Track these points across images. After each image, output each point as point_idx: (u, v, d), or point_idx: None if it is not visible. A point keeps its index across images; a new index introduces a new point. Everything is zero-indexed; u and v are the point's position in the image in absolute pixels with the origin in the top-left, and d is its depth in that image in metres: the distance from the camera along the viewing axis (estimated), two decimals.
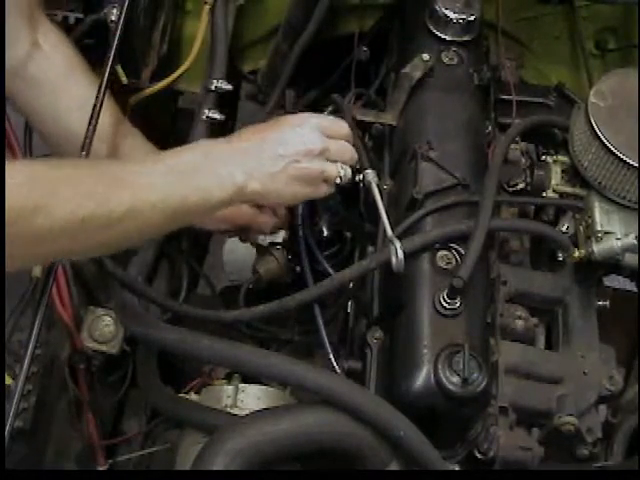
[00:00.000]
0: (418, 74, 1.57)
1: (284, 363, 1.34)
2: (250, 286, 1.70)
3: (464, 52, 1.62)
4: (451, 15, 1.63)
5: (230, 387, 1.47)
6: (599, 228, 1.38)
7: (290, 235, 1.63)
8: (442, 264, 1.38)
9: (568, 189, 1.48)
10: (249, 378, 1.47)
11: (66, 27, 1.67)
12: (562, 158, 1.51)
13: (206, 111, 1.64)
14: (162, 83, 1.78)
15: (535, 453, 1.31)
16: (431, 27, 1.64)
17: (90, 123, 1.33)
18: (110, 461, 1.62)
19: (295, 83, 1.97)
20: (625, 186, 1.39)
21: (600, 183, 1.41)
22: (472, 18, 1.63)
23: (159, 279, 1.75)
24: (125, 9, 1.50)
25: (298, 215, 1.62)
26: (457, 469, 1.32)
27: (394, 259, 1.34)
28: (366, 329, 1.43)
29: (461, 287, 1.31)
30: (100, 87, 1.36)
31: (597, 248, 1.37)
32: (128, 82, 1.72)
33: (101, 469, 1.60)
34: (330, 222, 1.65)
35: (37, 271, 1.34)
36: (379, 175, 1.51)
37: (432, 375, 1.27)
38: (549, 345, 1.45)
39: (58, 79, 1.44)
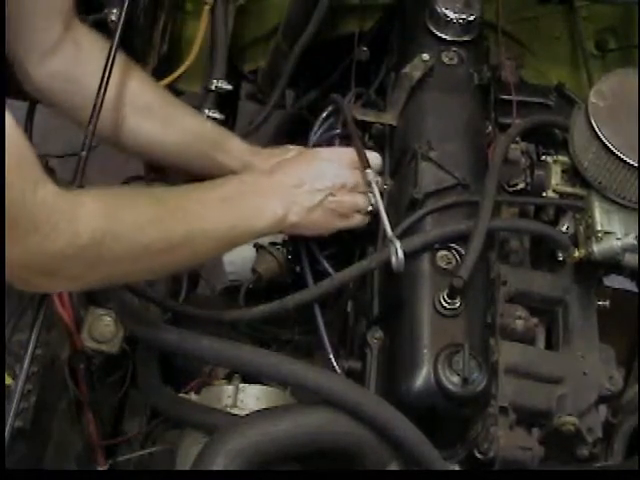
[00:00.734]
0: (418, 74, 1.58)
1: (284, 363, 1.34)
2: (250, 286, 1.70)
3: (464, 52, 1.62)
4: (451, 15, 1.63)
5: (230, 387, 1.46)
6: (599, 228, 1.38)
7: (290, 235, 1.63)
8: (442, 264, 1.38)
9: (568, 189, 1.48)
10: (249, 378, 1.47)
11: None
12: (562, 158, 1.51)
13: (206, 111, 1.65)
14: (162, 83, 1.78)
15: (535, 453, 1.31)
16: (431, 27, 1.64)
17: (90, 122, 1.33)
18: (110, 461, 1.61)
19: (295, 83, 1.97)
20: (625, 186, 1.39)
21: (600, 183, 1.41)
22: (472, 18, 1.63)
23: (159, 279, 1.74)
24: (125, 9, 1.50)
25: None
26: (457, 469, 1.32)
27: (394, 259, 1.34)
28: (366, 329, 1.43)
29: (461, 287, 1.31)
30: (100, 87, 1.36)
31: (597, 248, 1.37)
32: None
33: (101, 469, 1.59)
34: None
35: None
36: (379, 175, 1.51)
37: (432, 375, 1.27)
38: (549, 345, 1.45)
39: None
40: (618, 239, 1.37)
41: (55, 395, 1.56)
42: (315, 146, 1.59)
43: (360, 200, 1.48)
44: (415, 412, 1.29)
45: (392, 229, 1.39)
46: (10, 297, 1.34)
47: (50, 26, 1.42)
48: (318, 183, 1.45)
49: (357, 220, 1.49)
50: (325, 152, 1.52)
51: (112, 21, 1.58)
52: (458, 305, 1.33)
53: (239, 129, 2.02)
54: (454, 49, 1.62)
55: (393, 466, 1.31)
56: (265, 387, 1.47)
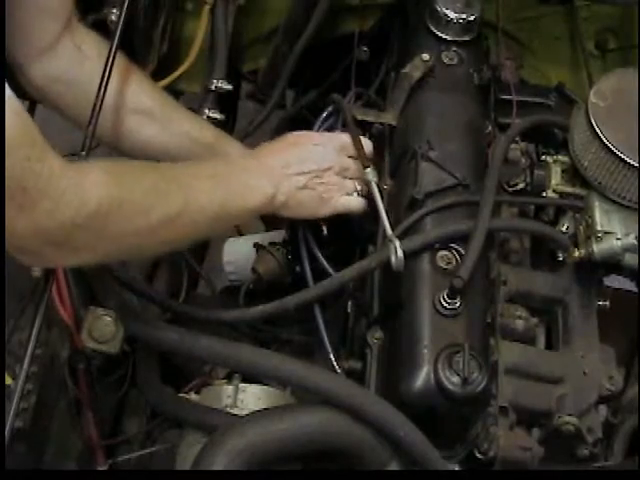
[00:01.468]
0: (418, 74, 1.58)
1: (284, 363, 1.34)
2: (250, 286, 1.70)
3: (464, 52, 1.62)
4: (451, 15, 1.63)
5: (230, 387, 1.46)
6: (599, 228, 1.38)
7: (290, 235, 1.63)
8: (442, 264, 1.38)
9: (568, 189, 1.48)
10: (249, 378, 1.47)
11: None
12: (562, 158, 1.51)
13: (206, 111, 1.65)
14: (162, 83, 1.78)
15: (535, 453, 1.31)
16: (431, 27, 1.64)
17: (90, 122, 1.33)
18: (110, 461, 1.61)
19: (295, 83, 1.97)
20: (625, 186, 1.39)
21: (600, 183, 1.41)
22: (472, 18, 1.63)
23: (159, 279, 1.74)
24: (125, 9, 1.50)
25: None
26: (457, 469, 1.32)
27: (393, 258, 1.34)
28: (366, 329, 1.43)
29: (461, 287, 1.31)
30: (100, 87, 1.36)
31: (597, 248, 1.37)
32: None
33: (101, 469, 1.59)
34: (330, 222, 1.64)
35: (37, 271, 1.34)
36: (379, 175, 1.51)
37: (432, 375, 1.27)
38: (549, 345, 1.45)
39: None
40: (618, 239, 1.37)
41: (55, 395, 1.56)
42: None
43: (348, 183, 1.49)
44: (415, 412, 1.29)
45: (392, 228, 1.39)
46: (10, 297, 1.34)
47: (47, 26, 1.43)
48: (304, 165, 1.46)
49: (347, 203, 1.50)
50: (315, 136, 1.53)
51: (112, 21, 1.58)
52: (458, 305, 1.33)
53: (239, 129, 2.03)
54: (454, 49, 1.62)
55: (393, 466, 1.31)
56: (265, 387, 1.47)
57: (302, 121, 1.89)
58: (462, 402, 1.27)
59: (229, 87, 1.69)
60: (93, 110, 1.34)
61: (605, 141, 1.38)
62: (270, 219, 1.69)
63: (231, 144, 1.60)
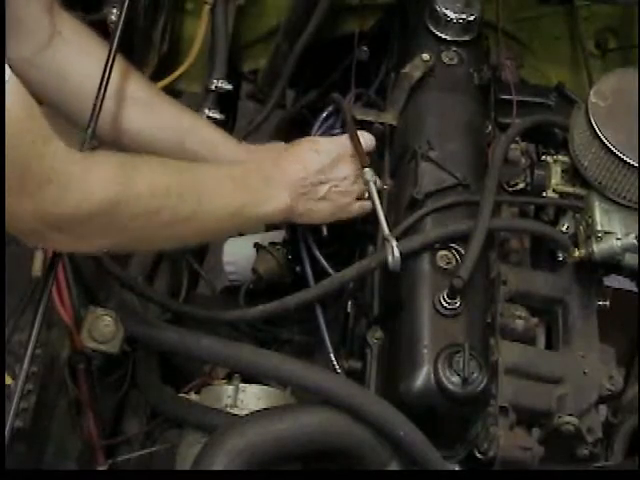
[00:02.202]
0: (418, 74, 1.58)
1: (284, 363, 1.34)
2: (250, 286, 1.70)
3: (464, 52, 1.62)
4: (451, 15, 1.63)
5: (230, 387, 1.46)
6: (599, 228, 1.38)
7: (290, 235, 1.63)
8: (442, 264, 1.38)
9: (568, 189, 1.48)
10: (249, 378, 1.47)
11: None
12: (562, 158, 1.51)
13: (206, 111, 1.65)
14: (162, 83, 1.78)
15: (535, 453, 1.31)
16: (431, 27, 1.64)
17: (90, 122, 1.33)
18: (110, 461, 1.61)
19: (295, 83, 1.97)
20: (625, 186, 1.39)
21: (600, 183, 1.41)
22: (472, 18, 1.63)
23: (159, 279, 1.74)
24: (125, 9, 1.50)
25: None
26: (457, 469, 1.32)
27: (390, 258, 1.34)
28: (366, 329, 1.43)
29: (461, 287, 1.31)
30: (100, 86, 1.36)
31: (597, 248, 1.37)
32: None
33: (101, 469, 1.60)
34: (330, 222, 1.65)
35: (37, 271, 1.34)
36: (379, 175, 1.51)
37: (432, 375, 1.27)
38: (549, 345, 1.45)
39: (81, 62, 1.45)
40: (618, 239, 1.37)
41: (55, 395, 1.56)
42: None
43: (361, 187, 1.50)
44: (415, 412, 1.29)
45: (390, 228, 1.39)
46: (10, 297, 1.34)
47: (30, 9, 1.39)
48: (324, 175, 1.46)
49: (361, 209, 1.51)
50: (327, 143, 1.52)
51: (112, 21, 1.58)
52: (458, 305, 1.33)
53: (239, 129, 2.03)
54: (454, 49, 1.62)
55: (393, 466, 1.31)
56: (265, 387, 1.47)
57: (302, 121, 1.89)
58: (462, 402, 1.27)
59: (229, 87, 1.69)
60: (93, 110, 1.34)
61: (605, 141, 1.38)
62: None
63: (227, 141, 1.57)
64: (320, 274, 1.52)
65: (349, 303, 1.57)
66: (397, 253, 1.34)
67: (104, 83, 1.36)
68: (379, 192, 1.46)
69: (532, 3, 1.91)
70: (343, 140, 1.51)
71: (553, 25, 1.92)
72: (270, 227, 1.79)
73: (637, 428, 1.46)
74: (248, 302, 1.67)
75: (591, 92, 1.44)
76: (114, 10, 1.58)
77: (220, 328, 1.56)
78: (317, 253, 1.54)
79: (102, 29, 1.60)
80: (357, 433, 1.29)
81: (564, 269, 1.45)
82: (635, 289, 1.50)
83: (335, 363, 1.46)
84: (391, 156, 1.58)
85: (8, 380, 1.34)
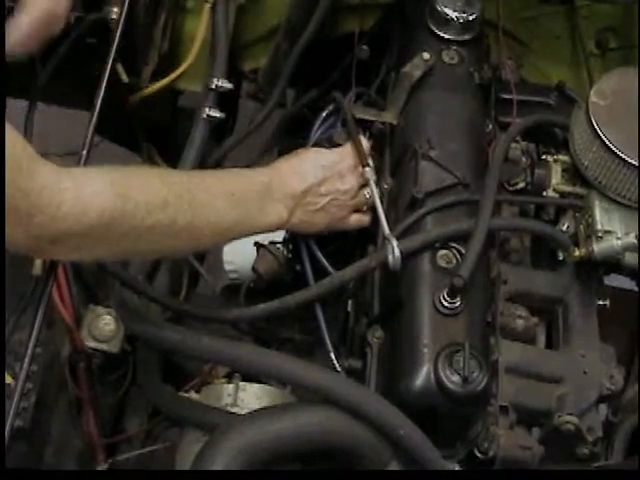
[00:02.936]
0: (419, 73, 1.57)
1: (284, 362, 1.34)
2: (250, 285, 1.70)
3: (465, 51, 1.62)
4: (452, 14, 1.63)
5: (230, 386, 1.46)
6: (599, 227, 1.38)
7: (290, 234, 1.63)
8: (442, 263, 1.38)
9: (568, 188, 1.48)
10: (249, 377, 1.47)
11: (67, 26, 1.67)
12: (562, 157, 1.51)
13: (207, 110, 1.64)
14: (163, 82, 1.78)
15: (535, 453, 1.31)
16: (432, 26, 1.64)
17: (90, 122, 1.33)
18: (110, 460, 1.61)
19: (296, 82, 1.97)
20: (625, 185, 1.39)
21: (600, 182, 1.41)
22: (473, 17, 1.63)
23: (159, 278, 1.74)
24: (126, 8, 1.50)
25: None
26: (457, 469, 1.32)
27: (391, 257, 1.34)
28: (366, 328, 1.43)
29: (461, 286, 1.31)
30: (100, 86, 1.36)
31: (597, 247, 1.37)
32: (129, 81, 1.72)
33: (101, 468, 1.60)
34: None
35: (37, 270, 1.34)
36: (379, 174, 1.51)
37: (432, 374, 1.27)
38: (549, 344, 1.45)
39: None
40: (618, 238, 1.37)
41: (55, 394, 1.56)
42: (315, 145, 1.59)
43: (360, 199, 1.50)
44: (415, 411, 1.29)
45: (390, 228, 1.39)
46: (10, 296, 1.34)
47: None
48: (325, 188, 1.46)
49: (357, 222, 1.51)
50: (331, 156, 1.51)
51: (112, 20, 1.58)
52: (458, 304, 1.33)
53: (239, 128, 2.02)
54: (455, 48, 1.62)
55: (393, 466, 1.31)
56: (265, 386, 1.47)
57: (303, 120, 1.89)
58: (462, 401, 1.27)
59: (229, 86, 1.68)
60: (93, 110, 1.34)
61: (605, 140, 1.38)
62: None
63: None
64: (320, 273, 1.51)
65: (349, 302, 1.57)
66: (397, 252, 1.34)
67: (104, 83, 1.36)
68: (380, 191, 1.46)
69: (533, 2, 1.90)
70: (346, 152, 1.50)
71: (553, 24, 1.92)
72: None
73: (637, 428, 1.46)
74: (248, 301, 1.67)
75: (591, 91, 1.44)
76: (114, 9, 1.58)
77: (220, 327, 1.56)
78: (317, 252, 1.54)
79: (102, 28, 1.60)
80: (357, 433, 1.29)
81: (564, 268, 1.45)
82: (635, 288, 1.50)
83: (335, 362, 1.46)
84: (391, 155, 1.58)
85: (8, 379, 1.34)
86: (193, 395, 1.49)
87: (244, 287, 1.70)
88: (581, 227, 1.42)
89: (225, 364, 1.50)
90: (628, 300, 1.51)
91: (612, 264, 1.40)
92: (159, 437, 1.63)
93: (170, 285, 1.74)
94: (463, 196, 1.44)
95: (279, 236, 1.68)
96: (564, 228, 1.46)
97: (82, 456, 1.62)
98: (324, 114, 1.60)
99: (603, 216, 1.40)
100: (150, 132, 1.95)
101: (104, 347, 1.55)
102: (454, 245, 1.39)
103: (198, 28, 1.77)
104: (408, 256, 1.37)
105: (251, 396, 1.46)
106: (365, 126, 1.56)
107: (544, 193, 1.50)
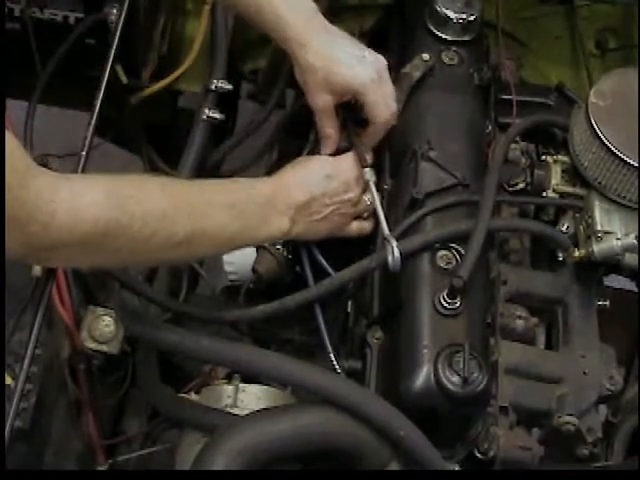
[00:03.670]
0: (418, 74, 1.57)
1: (284, 363, 1.34)
2: (250, 286, 1.70)
3: (464, 52, 1.62)
4: (451, 15, 1.63)
5: (230, 387, 1.46)
6: (599, 228, 1.38)
7: None
8: (442, 264, 1.38)
9: (568, 189, 1.48)
10: (249, 378, 1.47)
11: (66, 27, 1.67)
12: (562, 158, 1.51)
13: (206, 111, 1.64)
14: (162, 83, 1.78)
15: (535, 453, 1.31)
16: (431, 27, 1.64)
17: (90, 123, 1.33)
18: (110, 461, 1.62)
19: (295, 83, 1.97)
20: (625, 186, 1.39)
21: (600, 183, 1.41)
22: (472, 18, 1.63)
23: (159, 279, 1.74)
24: (125, 9, 1.50)
25: None
26: (457, 469, 1.32)
27: (390, 258, 1.34)
28: (366, 329, 1.43)
29: (461, 287, 1.31)
30: (100, 87, 1.36)
31: (597, 248, 1.37)
32: (128, 82, 1.72)
33: (101, 469, 1.60)
34: None
35: (37, 271, 1.34)
36: (379, 174, 1.51)
37: (432, 375, 1.27)
38: (549, 345, 1.45)
39: None
40: (618, 239, 1.37)
41: (55, 395, 1.56)
42: (315, 144, 1.59)
43: (362, 207, 1.49)
44: (415, 412, 1.29)
45: (389, 228, 1.39)
46: (10, 297, 1.34)
47: None
48: (328, 198, 1.45)
49: (358, 230, 1.51)
50: (336, 165, 1.49)
51: (112, 21, 1.58)
52: (458, 305, 1.32)
53: (239, 129, 2.02)
54: (454, 49, 1.62)
55: (393, 466, 1.31)
56: (265, 387, 1.47)
57: (302, 121, 1.89)
58: (462, 402, 1.27)
59: (229, 87, 1.68)
60: (93, 111, 1.34)
61: (605, 141, 1.38)
62: None
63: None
64: (320, 274, 1.51)
65: (349, 303, 1.57)
66: (397, 253, 1.34)
67: (103, 83, 1.36)
68: (380, 192, 1.46)
69: (532, 3, 1.91)
70: (350, 161, 1.49)
71: (553, 25, 1.92)
72: None
73: (637, 428, 1.46)
74: (248, 302, 1.67)
75: (591, 92, 1.44)
76: (114, 10, 1.58)
77: (220, 328, 1.56)
78: (317, 253, 1.53)
79: (102, 29, 1.60)
80: (357, 433, 1.29)
81: (564, 269, 1.45)
82: (635, 289, 1.50)
83: (335, 363, 1.46)
84: (391, 156, 1.58)
85: (8, 380, 1.34)
86: (193, 396, 1.49)
87: (244, 288, 1.70)
88: (581, 228, 1.42)
89: (225, 365, 1.50)
90: (628, 300, 1.51)
91: (612, 265, 1.40)
92: (159, 438, 1.63)
93: (170, 286, 1.74)
94: (463, 197, 1.44)
95: None
96: (564, 229, 1.46)
97: (82, 457, 1.62)
98: None
99: (603, 217, 1.40)
100: (150, 133, 1.94)
101: (104, 348, 1.55)
102: (454, 246, 1.39)
103: (198, 29, 1.77)
104: (408, 257, 1.37)
105: (251, 397, 1.46)
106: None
107: (544, 194, 1.50)
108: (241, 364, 1.37)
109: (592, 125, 1.40)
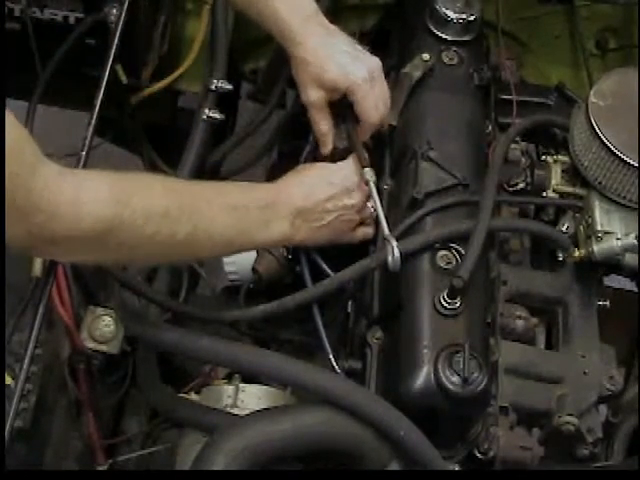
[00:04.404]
0: (418, 74, 1.57)
1: (284, 363, 1.34)
2: (250, 286, 1.70)
3: (464, 52, 1.62)
4: (451, 15, 1.63)
5: (230, 387, 1.46)
6: (599, 228, 1.38)
7: None
8: (442, 264, 1.38)
9: (568, 189, 1.48)
10: (249, 378, 1.47)
11: (66, 27, 1.67)
12: (562, 158, 1.51)
13: (206, 111, 1.64)
14: (162, 83, 1.78)
15: (535, 453, 1.31)
16: (431, 27, 1.64)
17: (90, 123, 1.33)
18: (110, 461, 1.61)
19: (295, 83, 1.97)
20: (625, 186, 1.39)
21: (600, 183, 1.41)
22: (472, 18, 1.63)
23: (159, 279, 1.74)
24: (125, 9, 1.50)
25: None
26: (457, 469, 1.32)
27: (390, 258, 1.34)
28: (366, 329, 1.43)
29: (461, 287, 1.31)
30: (100, 87, 1.36)
31: (597, 248, 1.37)
32: (128, 82, 1.72)
33: (101, 469, 1.60)
34: None
35: (37, 271, 1.34)
36: (379, 174, 1.51)
37: (432, 375, 1.27)
38: (549, 345, 1.45)
39: None
40: (618, 239, 1.37)
41: (55, 395, 1.56)
42: (315, 144, 1.59)
43: (365, 213, 1.49)
44: (415, 412, 1.29)
45: (390, 228, 1.39)
46: (10, 297, 1.34)
47: None
48: (332, 204, 1.44)
49: (362, 236, 1.50)
50: (339, 172, 1.48)
51: (112, 21, 1.58)
52: (458, 305, 1.32)
53: (239, 129, 2.02)
54: (454, 49, 1.62)
55: (393, 466, 1.31)
56: (265, 387, 1.47)
57: (302, 121, 1.89)
58: (462, 402, 1.27)
59: (229, 87, 1.69)
60: (93, 111, 1.34)
61: (605, 141, 1.38)
62: None
63: None
64: (320, 274, 1.51)
65: (349, 303, 1.57)
66: (397, 253, 1.34)
67: (103, 83, 1.36)
68: (379, 192, 1.46)
69: (532, 3, 1.90)
70: (353, 167, 1.48)
71: (553, 25, 1.92)
72: None
73: (637, 428, 1.46)
74: (248, 302, 1.67)
75: (591, 92, 1.44)
76: (114, 10, 1.58)
77: (220, 328, 1.56)
78: (315, 254, 1.53)
79: (102, 29, 1.60)
80: (357, 433, 1.29)
81: (564, 269, 1.45)
82: (635, 289, 1.50)
83: (334, 363, 1.46)
84: (391, 156, 1.58)
85: (8, 380, 1.34)
86: (193, 396, 1.49)
87: (244, 288, 1.70)
88: (581, 228, 1.42)
89: (225, 365, 1.50)
90: (628, 300, 1.51)
91: (612, 265, 1.40)
92: (159, 438, 1.63)
93: (170, 286, 1.74)
94: (463, 197, 1.44)
95: None
96: (564, 229, 1.46)
97: (82, 457, 1.62)
98: None
99: (603, 217, 1.40)
100: (150, 133, 1.95)
101: (104, 348, 1.55)
102: (454, 246, 1.39)
103: (198, 29, 1.78)
104: (408, 257, 1.37)
105: (251, 397, 1.46)
106: None
107: (544, 194, 1.50)
108: (241, 364, 1.37)
109: (592, 125, 1.40)
